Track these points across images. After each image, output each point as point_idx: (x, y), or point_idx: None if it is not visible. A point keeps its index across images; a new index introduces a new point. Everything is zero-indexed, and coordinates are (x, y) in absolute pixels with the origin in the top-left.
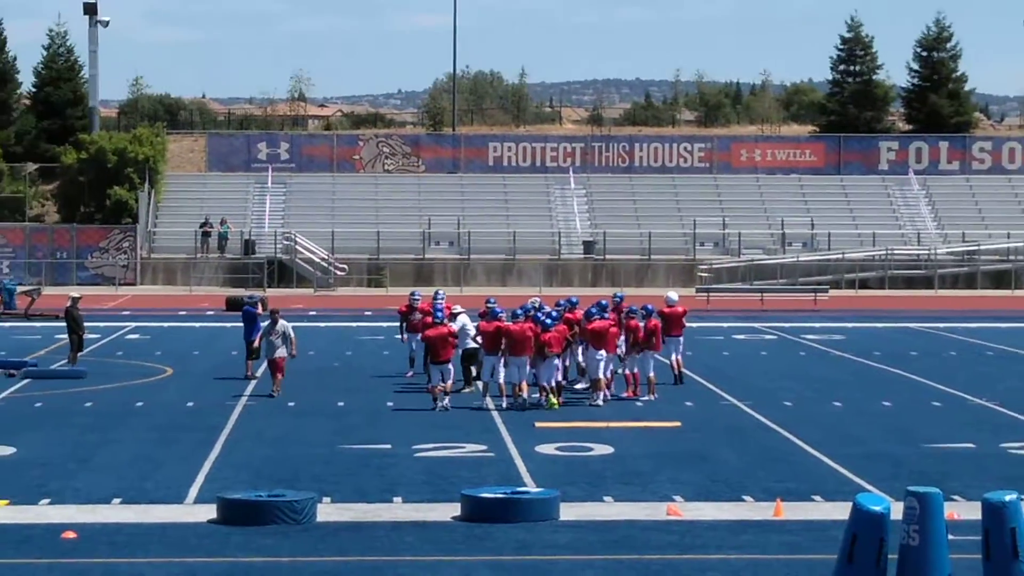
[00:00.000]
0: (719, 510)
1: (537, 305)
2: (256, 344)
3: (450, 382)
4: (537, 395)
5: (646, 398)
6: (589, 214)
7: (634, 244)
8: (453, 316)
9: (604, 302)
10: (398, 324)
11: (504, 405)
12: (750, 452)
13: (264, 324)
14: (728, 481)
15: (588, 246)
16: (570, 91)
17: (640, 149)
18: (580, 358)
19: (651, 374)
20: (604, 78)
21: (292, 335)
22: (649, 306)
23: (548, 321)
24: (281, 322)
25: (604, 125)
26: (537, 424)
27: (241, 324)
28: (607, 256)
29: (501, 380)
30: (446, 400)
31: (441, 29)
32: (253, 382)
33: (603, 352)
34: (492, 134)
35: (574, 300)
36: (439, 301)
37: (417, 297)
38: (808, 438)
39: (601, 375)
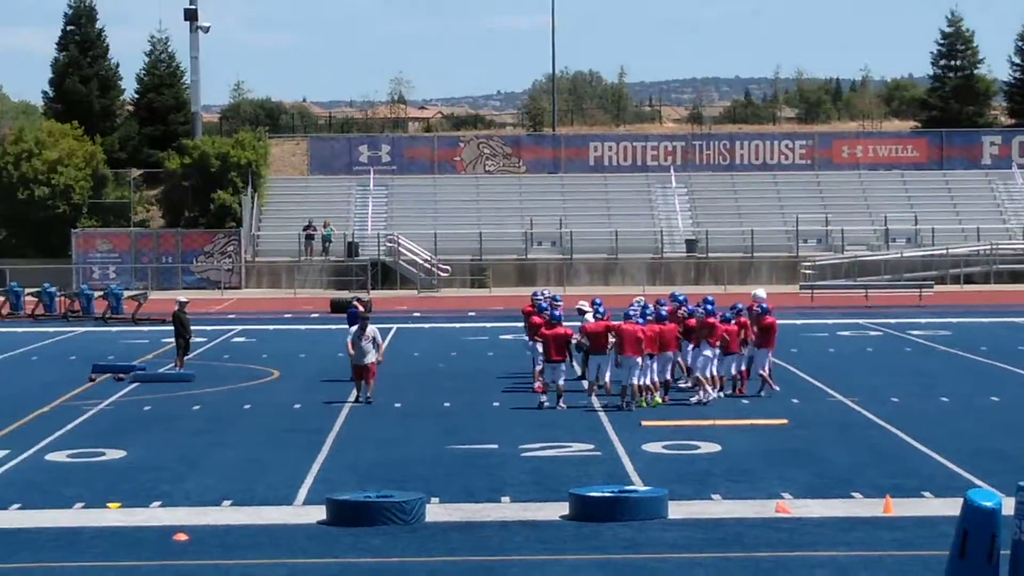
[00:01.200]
0: (827, 507)
1: (643, 304)
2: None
3: (561, 381)
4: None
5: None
6: (691, 212)
7: (736, 242)
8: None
9: (710, 298)
10: (522, 324)
11: (611, 405)
12: (858, 449)
13: (354, 329)
14: (836, 478)
15: (690, 244)
16: (669, 90)
17: (741, 147)
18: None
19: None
20: (703, 76)
21: (380, 340)
22: (739, 304)
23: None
24: (370, 327)
25: (704, 123)
26: (643, 422)
27: (346, 326)
28: (709, 254)
29: (607, 379)
30: (560, 400)
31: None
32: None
33: (712, 350)
34: (592, 134)
35: (680, 297)
36: (553, 302)
37: (539, 296)
38: (916, 434)
39: (705, 374)
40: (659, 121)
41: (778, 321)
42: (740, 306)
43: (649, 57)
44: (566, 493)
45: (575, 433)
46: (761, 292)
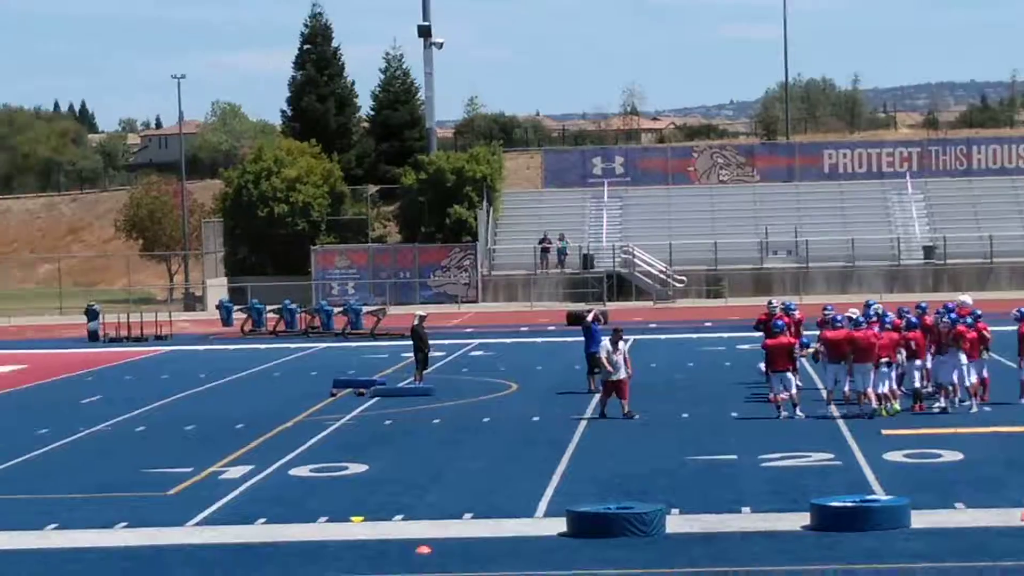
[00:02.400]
0: None
1: (881, 312)
2: (603, 362)
3: (794, 391)
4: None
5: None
6: (928, 219)
7: (975, 247)
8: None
9: (951, 305)
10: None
11: (851, 413)
12: None
13: (605, 339)
14: None
15: (928, 251)
16: (903, 95)
17: (978, 151)
18: (928, 364)
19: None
20: (938, 81)
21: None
22: (977, 311)
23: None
24: (622, 343)
25: (940, 128)
26: (884, 431)
27: (582, 338)
28: (948, 260)
29: (847, 388)
30: (795, 409)
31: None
32: (597, 395)
33: (960, 358)
34: (826, 141)
35: (923, 306)
36: (787, 311)
37: (774, 306)
38: None
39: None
40: (894, 127)
41: (991, 328)
42: (979, 312)
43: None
44: (807, 503)
45: (815, 442)
46: (967, 299)
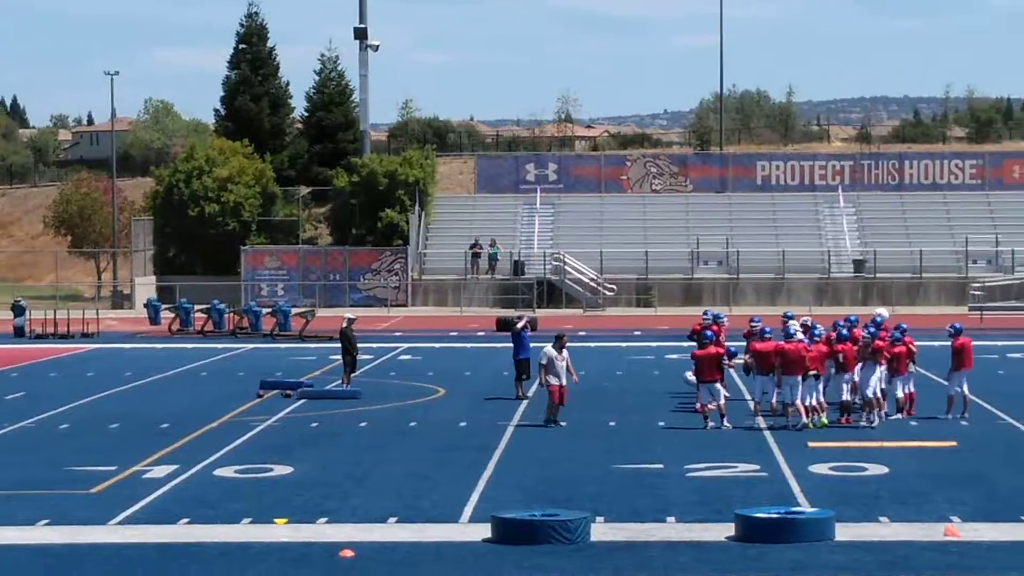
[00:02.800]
0: (998, 531)
1: (810, 324)
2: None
3: (722, 401)
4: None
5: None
6: (859, 232)
7: (905, 262)
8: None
9: (878, 319)
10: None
11: (776, 424)
12: None
13: (548, 346)
14: (1007, 501)
15: (858, 264)
16: (837, 109)
17: (910, 166)
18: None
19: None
20: (872, 95)
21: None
22: (903, 325)
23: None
24: (565, 349)
25: (873, 143)
26: (810, 444)
27: (511, 344)
28: (877, 274)
29: (774, 400)
30: (722, 420)
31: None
32: (524, 402)
33: (876, 371)
34: (760, 153)
35: (853, 319)
36: (713, 320)
37: (708, 317)
38: None
39: (871, 394)
40: (827, 140)
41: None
42: (905, 326)
43: (817, 76)
44: (732, 514)
45: (741, 453)
46: (884, 312)
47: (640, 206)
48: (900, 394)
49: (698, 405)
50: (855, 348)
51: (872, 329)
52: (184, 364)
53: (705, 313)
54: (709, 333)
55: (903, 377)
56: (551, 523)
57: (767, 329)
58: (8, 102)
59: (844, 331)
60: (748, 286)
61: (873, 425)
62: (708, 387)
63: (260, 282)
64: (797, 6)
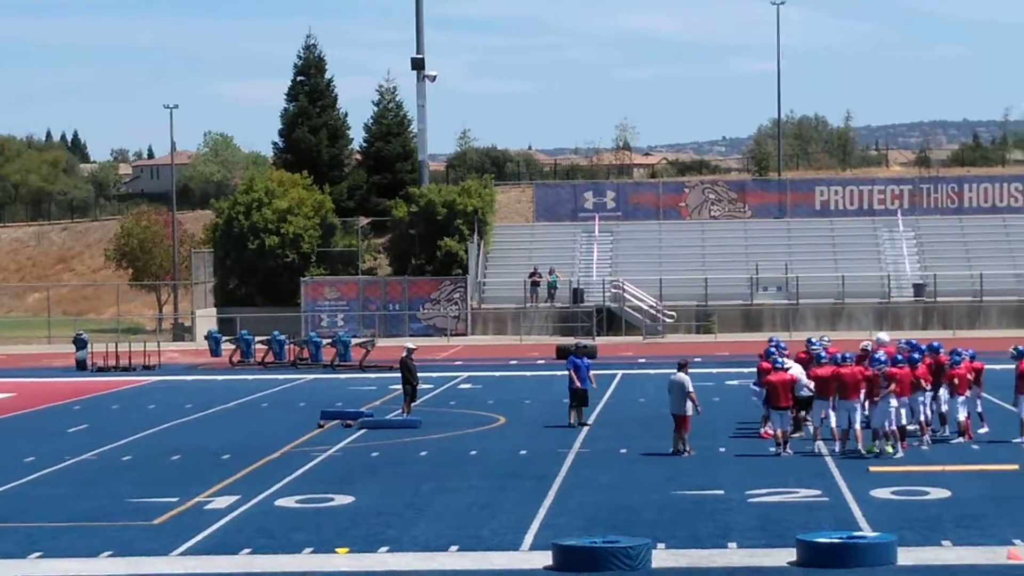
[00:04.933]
0: None
1: (870, 348)
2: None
3: (789, 427)
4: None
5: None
6: (919, 256)
7: (965, 286)
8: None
9: (936, 344)
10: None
11: (837, 450)
12: None
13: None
14: None
15: (918, 289)
16: (896, 133)
17: (969, 190)
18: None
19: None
20: (930, 120)
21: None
22: (959, 349)
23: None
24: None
25: (932, 167)
26: (871, 468)
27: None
28: (938, 299)
29: (833, 424)
30: (787, 447)
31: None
32: (585, 429)
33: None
34: (818, 178)
35: (936, 345)
36: (780, 348)
37: (779, 345)
38: None
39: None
40: (886, 165)
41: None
42: (961, 351)
43: (876, 100)
44: (793, 539)
45: (802, 479)
46: (885, 336)
47: (699, 233)
48: (961, 417)
49: (763, 430)
50: (913, 372)
51: (883, 358)
52: (245, 395)
53: (771, 341)
54: (780, 359)
55: (965, 399)
56: (612, 550)
57: (823, 354)
58: (69, 137)
59: (899, 356)
60: (808, 311)
61: (897, 454)
62: (779, 413)
63: (320, 313)
64: (854, 32)
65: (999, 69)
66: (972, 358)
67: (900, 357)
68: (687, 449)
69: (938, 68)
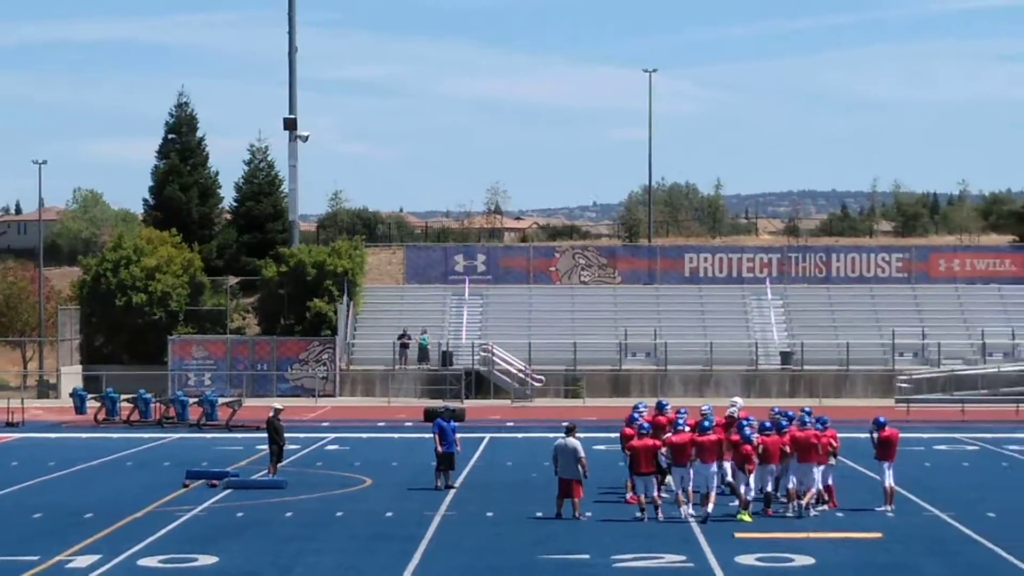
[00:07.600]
0: None
1: (736, 415)
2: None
3: (656, 493)
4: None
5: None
6: (786, 324)
7: (832, 355)
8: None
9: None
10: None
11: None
12: (954, 564)
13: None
14: None
15: (785, 357)
16: (765, 202)
17: (837, 259)
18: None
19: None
20: (800, 189)
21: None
22: (825, 417)
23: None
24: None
25: (800, 236)
26: (736, 534)
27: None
28: (804, 367)
29: (690, 488)
30: (658, 511)
31: (636, 142)
32: (451, 492)
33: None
34: (688, 245)
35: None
36: (640, 411)
37: (642, 409)
38: (1014, 551)
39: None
40: (755, 233)
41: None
42: (827, 419)
43: (746, 170)
44: None
45: (668, 544)
46: (739, 400)
47: (569, 297)
48: (820, 485)
49: (629, 495)
50: (780, 440)
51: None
52: (110, 454)
53: (635, 407)
54: (645, 425)
55: (825, 467)
56: None
57: (680, 421)
58: None
59: (767, 423)
60: (676, 377)
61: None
62: (644, 479)
63: (187, 371)
64: (725, 102)
65: (868, 141)
66: (824, 425)
67: (768, 424)
68: (579, 514)
69: (808, 139)
